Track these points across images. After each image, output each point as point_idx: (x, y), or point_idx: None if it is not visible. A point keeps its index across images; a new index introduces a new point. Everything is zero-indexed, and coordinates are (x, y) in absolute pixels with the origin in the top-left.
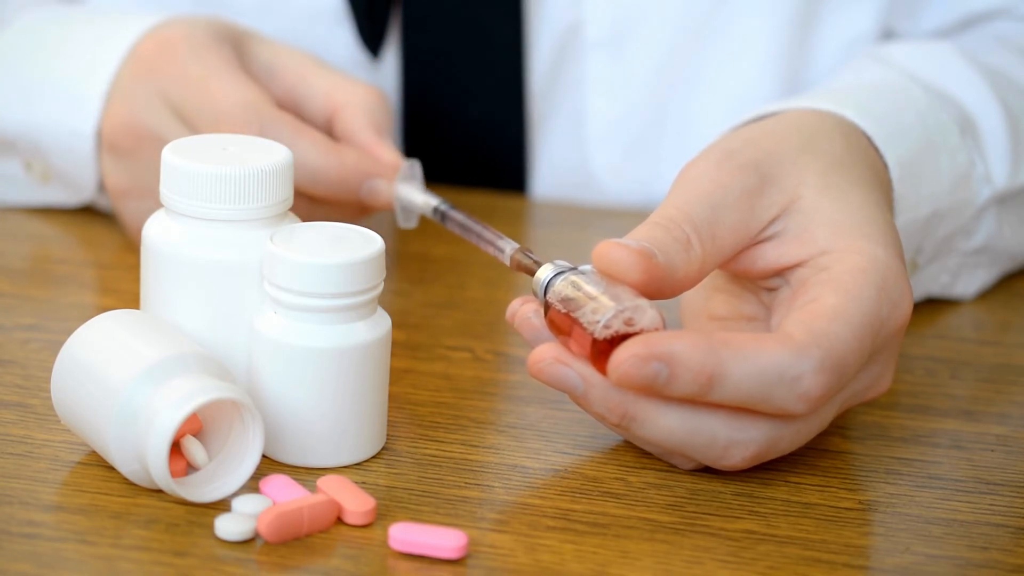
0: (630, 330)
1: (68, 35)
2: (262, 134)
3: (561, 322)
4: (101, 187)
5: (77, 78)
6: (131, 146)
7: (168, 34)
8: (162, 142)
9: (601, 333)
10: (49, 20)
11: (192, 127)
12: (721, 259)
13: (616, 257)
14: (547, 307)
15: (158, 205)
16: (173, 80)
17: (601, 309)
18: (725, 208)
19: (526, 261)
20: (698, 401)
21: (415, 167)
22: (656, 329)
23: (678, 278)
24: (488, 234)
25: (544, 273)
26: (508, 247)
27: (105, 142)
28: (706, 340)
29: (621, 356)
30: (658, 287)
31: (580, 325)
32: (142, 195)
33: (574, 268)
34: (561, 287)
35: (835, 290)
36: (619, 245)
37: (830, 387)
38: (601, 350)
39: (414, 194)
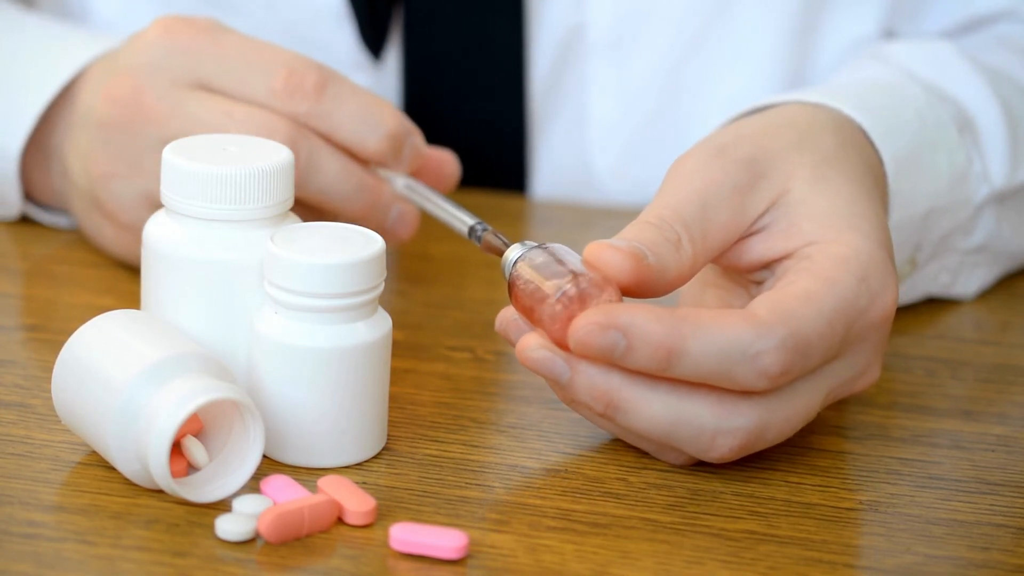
0: (585, 305)
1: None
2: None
3: (524, 303)
4: (27, 199)
5: (9, 96)
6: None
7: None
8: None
9: (552, 309)
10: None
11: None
12: (712, 256)
13: (606, 259)
14: (511, 289)
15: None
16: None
17: (554, 285)
18: (716, 206)
19: (495, 242)
20: (675, 381)
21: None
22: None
23: (669, 278)
24: (455, 209)
25: (511, 254)
26: (478, 228)
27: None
28: (667, 314)
29: (580, 323)
30: (650, 287)
31: (538, 301)
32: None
33: (537, 246)
34: (521, 268)
35: (812, 276)
36: (609, 247)
37: (791, 366)
38: (559, 328)
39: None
